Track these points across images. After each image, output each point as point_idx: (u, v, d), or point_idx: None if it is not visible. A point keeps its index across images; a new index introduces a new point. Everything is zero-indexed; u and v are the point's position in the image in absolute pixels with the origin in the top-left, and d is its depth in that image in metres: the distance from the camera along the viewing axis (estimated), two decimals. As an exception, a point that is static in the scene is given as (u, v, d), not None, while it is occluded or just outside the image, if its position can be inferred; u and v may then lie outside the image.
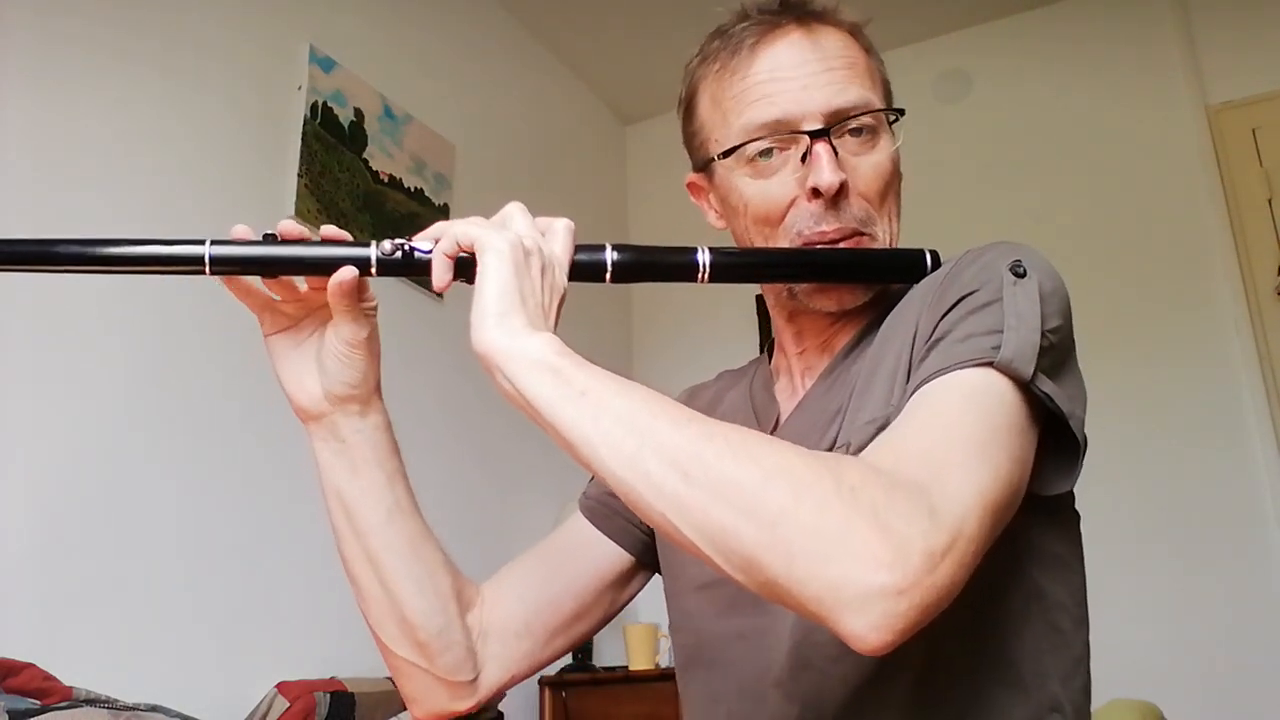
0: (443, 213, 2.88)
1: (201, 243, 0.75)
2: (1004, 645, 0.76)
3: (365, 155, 2.68)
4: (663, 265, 0.82)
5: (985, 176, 3.32)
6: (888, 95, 0.90)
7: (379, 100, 2.76)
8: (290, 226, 0.77)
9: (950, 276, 0.78)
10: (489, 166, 3.14)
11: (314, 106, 2.54)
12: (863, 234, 0.85)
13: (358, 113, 2.68)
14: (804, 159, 0.84)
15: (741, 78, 0.86)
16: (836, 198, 0.83)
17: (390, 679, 2.16)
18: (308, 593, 2.22)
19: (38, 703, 1.51)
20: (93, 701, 1.57)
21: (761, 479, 0.59)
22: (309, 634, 2.23)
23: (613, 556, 0.94)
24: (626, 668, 2.93)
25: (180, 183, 2.19)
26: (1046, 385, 0.71)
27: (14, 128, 1.90)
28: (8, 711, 1.46)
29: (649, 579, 0.97)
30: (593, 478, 0.94)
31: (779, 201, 0.85)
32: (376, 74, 2.77)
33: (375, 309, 0.81)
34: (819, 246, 0.84)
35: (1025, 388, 0.70)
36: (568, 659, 2.96)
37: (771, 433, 0.89)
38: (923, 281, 0.82)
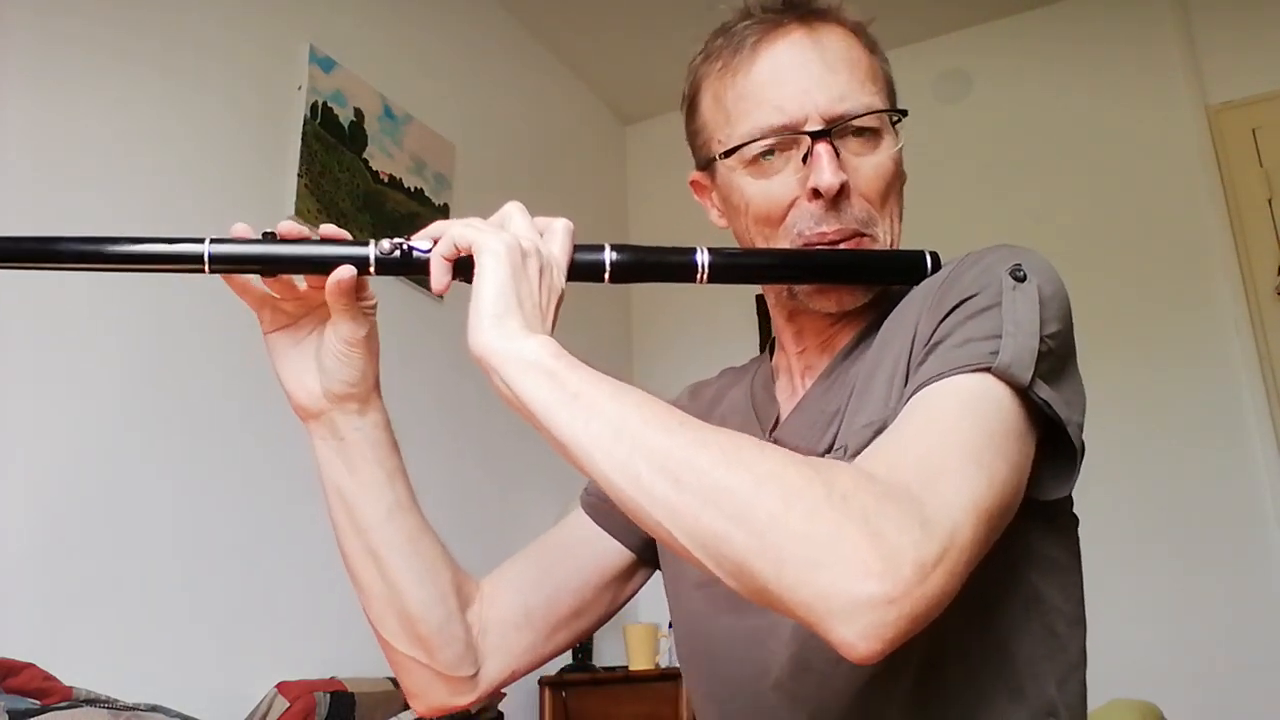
0: (442, 213, 2.88)
1: (201, 241, 0.75)
2: (1001, 650, 0.76)
3: (365, 155, 2.68)
4: (661, 266, 0.82)
5: (985, 176, 3.32)
6: (891, 95, 0.89)
7: (379, 100, 2.76)
8: (290, 226, 0.77)
9: (950, 280, 0.78)
10: (489, 166, 3.14)
11: (314, 106, 2.54)
12: (863, 235, 0.85)
13: (358, 113, 2.68)
14: (805, 159, 0.83)
15: (744, 77, 0.86)
16: (837, 199, 0.83)
17: (390, 679, 2.18)
18: (308, 593, 2.22)
19: (38, 703, 1.51)
20: (93, 701, 1.57)
21: (753, 485, 0.59)
22: (309, 634, 2.23)
23: (613, 553, 0.94)
24: (626, 668, 2.93)
25: (180, 183, 2.19)
26: (1044, 391, 0.71)
27: (14, 128, 1.90)
28: (8, 711, 1.46)
29: (650, 576, 0.97)
30: None
31: (780, 202, 0.85)
32: (376, 74, 2.77)
33: (374, 308, 0.82)
34: (819, 247, 0.84)
35: (1023, 394, 0.70)
36: (568, 659, 2.96)
37: (771, 432, 0.89)
38: (922, 284, 0.82)
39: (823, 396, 0.86)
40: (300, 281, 0.80)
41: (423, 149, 2.89)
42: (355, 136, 2.66)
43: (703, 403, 1.01)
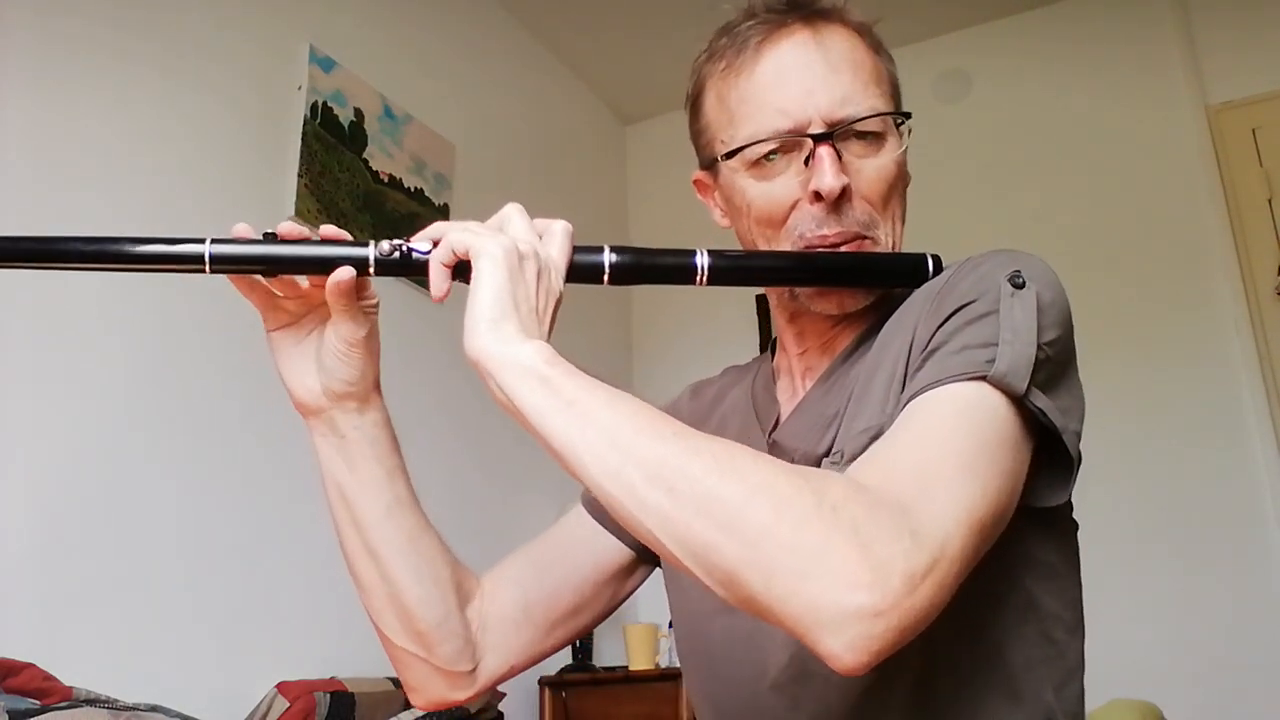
0: (442, 213, 2.88)
1: (202, 241, 0.75)
2: (998, 655, 0.76)
3: (365, 155, 2.68)
4: (661, 268, 0.82)
5: (985, 176, 3.32)
6: (896, 96, 0.89)
7: (379, 100, 2.76)
8: (290, 227, 0.78)
9: (949, 285, 0.77)
10: (489, 166, 3.14)
11: (314, 106, 2.54)
12: (865, 237, 0.84)
13: (358, 113, 2.68)
14: (807, 162, 0.83)
15: (747, 78, 0.86)
16: (839, 201, 0.83)
17: (390, 679, 2.18)
18: (308, 593, 2.23)
19: (38, 703, 1.51)
20: (93, 701, 1.57)
21: (743, 496, 0.59)
22: (309, 634, 2.23)
23: (613, 550, 0.94)
24: (626, 668, 2.93)
25: (180, 183, 2.19)
26: (1040, 400, 0.70)
27: (14, 128, 1.90)
28: (8, 711, 1.46)
29: (650, 573, 0.97)
30: None
31: (781, 203, 0.85)
32: (376, 74, 2.77)
33: (376, 307, 0.82)
34: (820, 250, 0.84)
35: (1019, 402, 0.70)
36: (568, 659, 2.96)
37: (770, 433, 0.89)
38: (922, 287, 0.82)
39: (822, 399, 0.86)
40: (303, 280, 0.80)
41: (423, 149, 2.89)
42: (355, 136, 2.66)
43: (704, 401, 1.01)
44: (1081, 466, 0.77)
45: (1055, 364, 0.74)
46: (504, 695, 2.24)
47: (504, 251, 0.73)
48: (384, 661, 0.89)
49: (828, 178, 0.82)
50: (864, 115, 0.84)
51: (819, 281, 0.85)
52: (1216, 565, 2.76)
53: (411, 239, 0.78)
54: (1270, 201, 2.98)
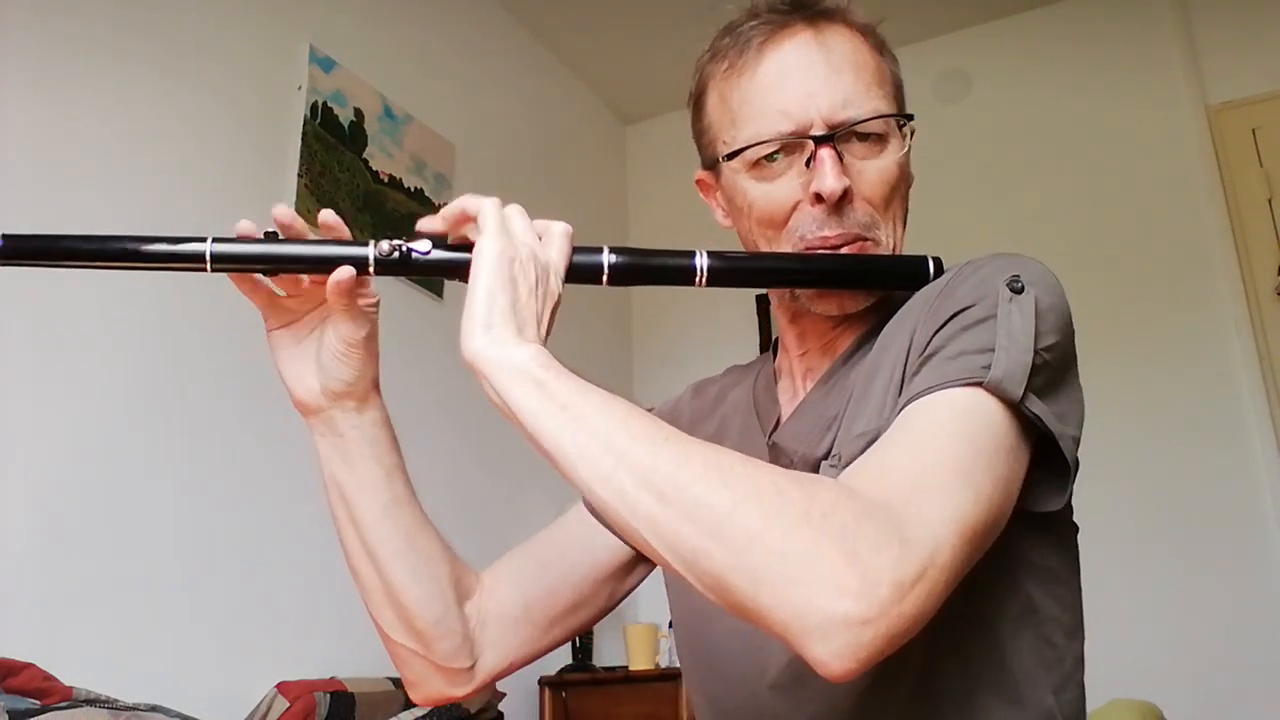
0: (443, 213, 2.88)
1: (203, 240, 0.76)
2: (997, 659, 0.76)
3: (365, 155, 2.68)
4: (660, 269, 0.82)
5: (985, 177, 3.32)
6: (899, 97, 0.89)
7: (379, 100, 2.76)
8: (284, 211, 0.78)
9: (948, 289, 0.77)
10: (489, 166, 3.14)
11: (314, 106, 2.54)
12: (866, 239, 0.84)
13: (358, 113, 2.68)
14: (808, 164, 0.83)
15: (749, 79, 0.86)
16: (840, 203, 0.83)
17: (390, 679, 2.17)
18: (308, 593, 2.23)
19: (38, 703, 1.51)
20: (93, 701, 1.57)
21: (732, 502, 0.59)
22: (309, 634, 2.23)
23: (612, 548, 0.93)
24: (626, 668, 2.93)
25: (180, 183, 2.19)
26: (1037, 406, 0.70)
27: (14, 128, 1.90)
28: (8, 711, 1.46)
29: (649, 572, 0.97)
30: None
31: (783, 205, 0.85)
32: (376, 74, 2.77)
33: (376, 307, 0.82)
34: (820, 251, 0.84)
35: (1015, 408, 0.69)
36: (568, 659, 2.96)
37: (770, 434, 0.89)
38: (922, 290, 0.82)
39: (822, 401, 0.86)
40: (304, 278, 0.80)
41: (423, 149, 2.89)
42: (355, 136, 2.66)
43: (706, 400, 1.01)
44: (1081, 467, 0.76)
45: (1053, 369, 0.73)
46: (504, 695, 2.24)
47: (502, 253, 0.73)
48: (384, 661, 0.89)
49: (828, 180, 0.81)
50: (865, 117, 0.84)
51: (819, 283, 0.85)
52: (1216, 565, 2.76)
53: (411, 239, 0.78)
54: (1270, 201, 2.98)
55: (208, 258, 0.76)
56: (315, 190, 2.50)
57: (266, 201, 2.35)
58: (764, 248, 0.87)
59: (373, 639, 0.89)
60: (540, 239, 0.78)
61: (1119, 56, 3.24)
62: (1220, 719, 2.60)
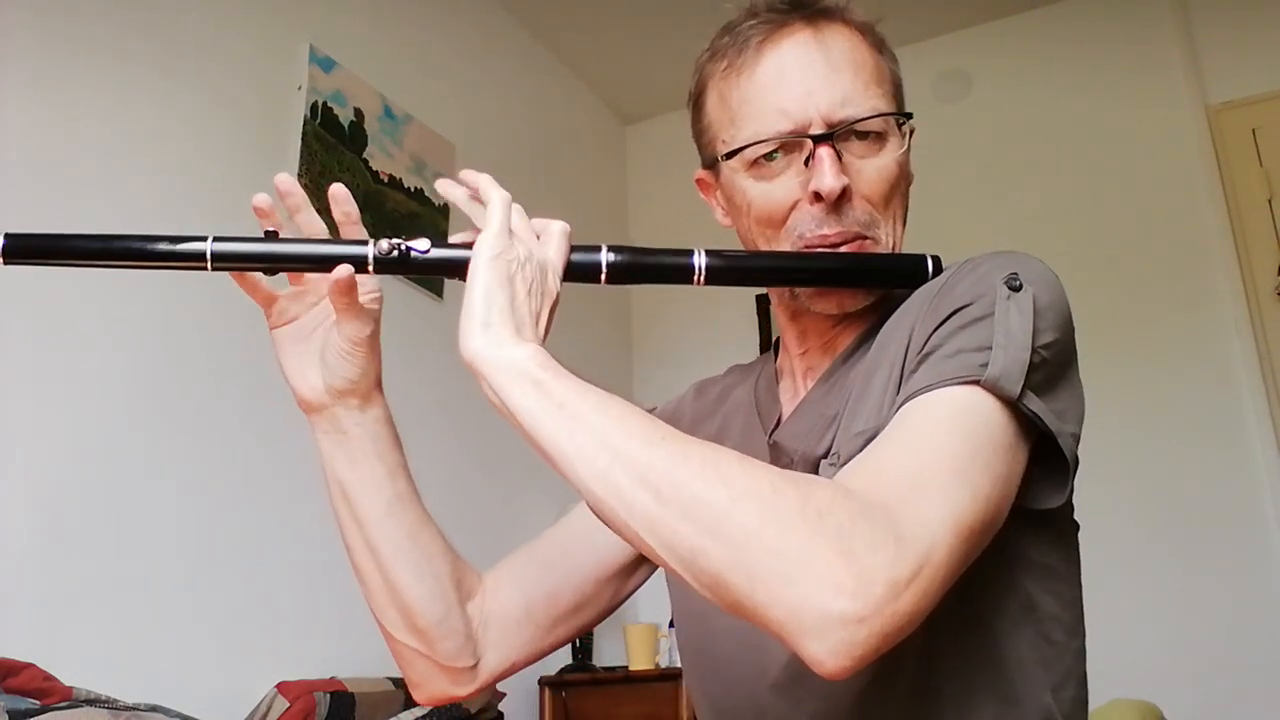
0: (442, 213, 2.88)
1: (204, 239, 0.76)
2: (996, 656, 0.76)
3: (365, 155, 2.69)
4: (658, 267, 0.82)
5: (985, 177, 3.32)
6: (898, 96, 0.89)
7: (379, 100, 2.76)
8: (284, 179, 0.79)
9: (946, 288, 0.77)
10: (489, 166, 3.04)
11: (314, 106, 2.54)
12: (865, 238, 0.84)
13: (358, 113, 2.68)
14: (807, 162, 0.83)
15: (748, 78, 0.86)
16: (839, 201, 0.83)
17: (390, 679, 2.17)
18: (308, 593, 2.23)
19: (38, 703, 1.51)
20: (93, 701, 1.57)
21: (729, 501, 0.60)
22: (309, 634, 2.23)
23: (615, 548, 0.94)
24: (626, 668, 2.93)
25: (180, 183, 2.19)
26: (1035, 404, 0.70)
27: (14, 128, 1.90)
28: (8, 711, 1.46)
29: (652, 572, 0.97)
30: None
31: (781, 204, 0.85)
32: (376, 74, 2.77)
33: (379, 301, 0.82)
34: (819, 250, 0.84)
35: (1013, 406, 0.70)
36: (568, 659, 2.96)
37: (771, 432, 0.89)
38: (921, 289, 0.82)
39: (822, 399, 0.86)
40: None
41: (423, 149, 2.89)
42: (355, 136, 2.67)
43: (708, 400, 1.01)
44: (1081, 467, 0.76)
45: (1052, 367, 0.73)
46: (504, 695, 2.24)
47: (500, 252, 0.73)
48: (384, 661, 0.89)
49: (827, 178, 0.82)
50: (864, 116, 0.84)
51: (817, 282, 0.85)
52: (1216, 565, 2.76)
53: (410, 238, 0.78)
54: (1270, 201, 2.98)
55: (208, 256, 0.76)
56: (315, 190, 2.49)
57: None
58: (763, 247, 0.87)
59: (373, 639, 0.89)
60: (538, 238, 0.78)
61: (1119, 56, 3.24)
62: (1220, 719, 2.60)
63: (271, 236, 0.78)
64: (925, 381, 0.70)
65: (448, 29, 3.13)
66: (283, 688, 1.93)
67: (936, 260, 0.85)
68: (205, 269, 0.77)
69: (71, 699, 1.55)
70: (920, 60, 3.37)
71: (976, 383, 0.69)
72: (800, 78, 0.84)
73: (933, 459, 0.65)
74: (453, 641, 0.86)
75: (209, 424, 2.13)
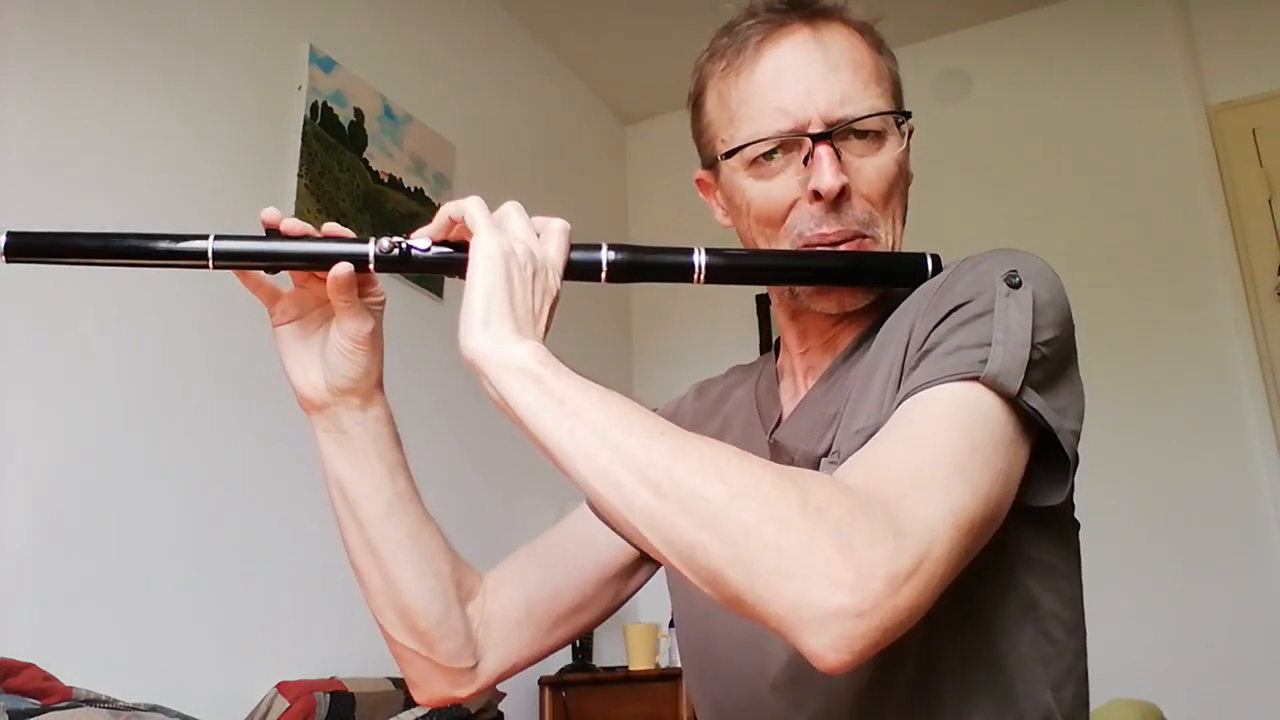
0: (443, 213, 2.88)
1: (205, 237, 0.76)
2: (997, 655, 0.76)
3: (365, 155, 2.69)
4: (658, 266, 0.82)
5: (985, 177, 3.32)
6: (897, 95, 0.89)
7: (379, 100, 2.76)
8: (293, 223, 0.79)
9: (945, 285, 0.78)
10: (489, 166, 3.14)
11: (314, 106, 2.54)
12: (864, 236, 0.84)
13: (358, 113, 2.68)
14: (806, 161, 0.83)
15: (747, 78, 0.86)
16: (838, 200, 0.83)
17: (390, 679, 2.17)
18: (308, 593, 2.23)
19: (38, 703, 1.51)
20: (93, 701, 1.57)
21: (728, 496, 0.60)
22: (309, 634, 2.23)
23: (615, 549, 0.94)
24: (626, 668, 2.93)
25: (180, 183, 2.19)
26: (1034, 400, 0.70)
27: (14, 128, 1.90)
28: (8, 711, 1.46)
29: (653, 573, 0.97)
30: None
31: (781, 203, 0.85)
32: (376, 74, 2.77)
33: (381, 304, 0.83)
34: (819, 248, 0.84)
35: (1013, 402, 0.70)
36: (568, 659, 2.96)
37: (772, 432, 0.89)
38: (921, 287, 0.82)
39: (823, 398, 0.86)
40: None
41: (423, 149, 2.89)
42: (355, 136, 2.67)
43: (708, 401, 1.01)
44: (1081, 466, 0.76)
45: (1052, 364, 0.73)
46: (504, 695, 2.24)
47: (500, 250, 0.73)
48: (384, 661, 0.89)
49: (826, 177, 0.82)
50: (863, 114, 0.84)
51: (817, 280, 0.85)
52: (1216, 565, 2.76)
53: (411, 236, 0.78)
54: (1270, 201, 2.98)
55: (210, 255, 0.76)
56: (315, 190, 2.50)
57: (267, 201, 2.33)
58: (763, 246, 0.88)
59: (373, 639, 0.89)
60: (538, 236, 0.78)
61: (1119, 56, 3.24)
62: (1220, 719, 2.60)
63: (273, 235, 0.78)
64: (925, 378, 0.70)
65: (448, 29, 3.13)
66: (283, 688, 1.93)
67: (936, 259, 0.85)
68: (207, 267, 0.77)
69: (71, 699, 1.55)
70: (920, 60, 3.37)
71: (976, 379, 0.69)
72: (799, 77, 0.84)
73: (932, 455, 0.65)
74: (453, 642, 0.86)
75: (209, 424, 2.13)
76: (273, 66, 2.49)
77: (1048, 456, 0.74)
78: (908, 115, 0.88)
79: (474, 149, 3.08)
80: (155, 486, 2.01)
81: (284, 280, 0.83)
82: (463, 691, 0.88)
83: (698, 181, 0.96)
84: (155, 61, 2.19)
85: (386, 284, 0.83)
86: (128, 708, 1.60)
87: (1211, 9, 3.16)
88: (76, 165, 1.99)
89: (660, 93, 3.71)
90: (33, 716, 1.46)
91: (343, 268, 0.77)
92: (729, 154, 0.87)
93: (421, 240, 0.78)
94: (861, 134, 0.84)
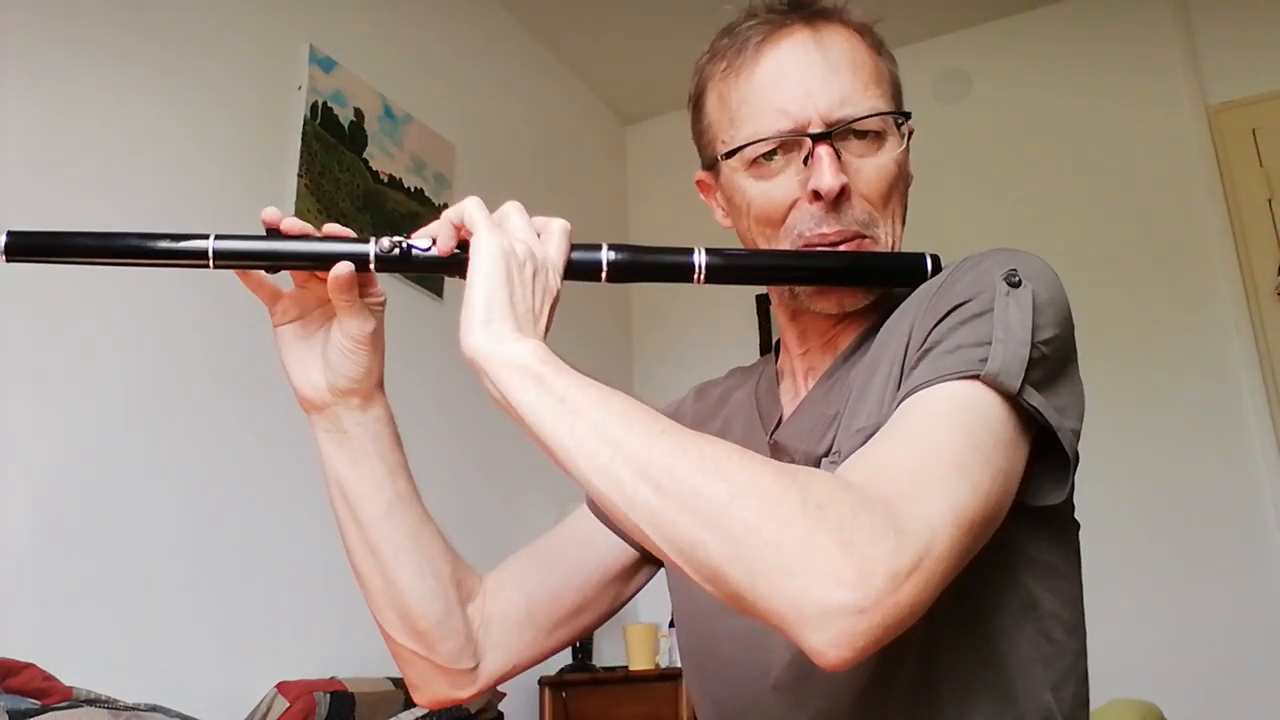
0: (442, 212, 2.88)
1: (206, 237, 0.77)
2: (997, 654, 0.76)
3: (365, 155, 2.69)
4: (659, 266, 0.82)
5: (985, 177, 3.32)
6: (897, 96, 0.89)
7: (379, 100, 2.76)
8: (294, 222, 0.79)
9: (945, 285, 0.78)
10: (489, 166, 3.14)
11: (314, 106, 2.54)
12: (864, 236, 0.85)
13: (358, 113, 2.68)
14: (806, 161, 0.84)
15: (747, 78, 0.86)
16: (838, 200, 0.83)
17: (390, 679, 2.17)
18: (308, 593, 2.23)
19: (38, 703, 1.51)
20: (93, 701, 1.57)
21: (729, 494, 0.60)
22: (309, 634, 2.23)
23: (616, 550, 0.94)
24: (626, 668, 2.93)
25: (180, 183, 2.19)
26: (1035, 399, 0.71)
27: (14, 128, 1.90)
28: (8, 711, 1.46)
29: (654, 574, 0.97)
30: None
31: (781, 203, 0.85)
32: (376, 74, 2.77)
33: (382, 305, 0.83)
34: (819, 248, 0.84)
35: (1013, 401, 0.70)
36: (568, 659, 2.96)
37: (772, 433, 0.89)
38: (921, 287, 0.82)
39: (823, 399, 0.87)
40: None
41: (423, 149, 2.89)
42: (355, 136, 2.67)
43: (708, 402, 1.01)
44: (1081, 466, 0.76)
45: (1052, 363, 0.74)
46: (504, 695, 2.25)
47: (501, 249, 0.73)
48: (384, 661, 0.89)
49: (826, 177, 0.82)
50: (863, 115, 0.84)
51: (817, 280, 0.85)
52: (1216, 565, 2.76)
53: (411, 235, 0.78)
54: (1270, 201, 2.98)
55: (210, 254, 0.76)
56: (315, 190, 2.50)
57: (267, 201, 2.33)
58: (763, 246, 0.88)
59: (373, 639, 0.89)
60: (539, 236, 0.78)
61: (1119, 56, 3.24)
62: (1220, 719, 2.60)
63: (274, 234, 0.78)
64: (925, 377, 0.71)
65: (448, 29, 3.13)
66: (283, 688, 1.93)
67: (936, 259, 0.85)
68: (207, 266, 0.77)
69: (71, 699, 1.55)
70: (920, 60, 3.37)
71: (976, 377, 0.69)
72: (799, 78, 0.84)
73: (933, 453, 0.65)
74: (453, 643, 0.86)
75: (209, 424, 2.13)
76: (273, 66, 2.49)
77: (1048, 456, 0.74)
78: (907, 116, 0.88)
79: (474, 149, 3.08)
80: (155, 486, 2.01)
81: (285, 281, 0.83)
82: (463, 693, 0.88)
83: (698, 183, 0.96)
84: (155, 61, 2.19)
85: (386, 284, 0.83)
86: (128, 708, 1.60)
87: (1211, 9, 3.16)
88: (76, 165, 1.99)
89: (660, 93, 3.71)
90: (33, 716, 1.46)
91: (343, 267, 0.77)
92: (729, 154, 0.87)
93: (422, 240, 0.78)
94: (861, 134, 0.85)
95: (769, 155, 0.85)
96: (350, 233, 0.80)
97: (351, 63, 2.69)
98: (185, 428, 2.09)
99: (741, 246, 0.91)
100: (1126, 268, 3.05)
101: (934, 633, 0.72)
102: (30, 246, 0.76)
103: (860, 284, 0.86)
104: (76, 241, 0.77)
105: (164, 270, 0.80)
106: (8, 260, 0.76)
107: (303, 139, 2.48)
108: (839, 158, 0.83)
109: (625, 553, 0.94)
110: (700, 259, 0.82)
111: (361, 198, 2.65)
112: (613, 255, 0.80)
